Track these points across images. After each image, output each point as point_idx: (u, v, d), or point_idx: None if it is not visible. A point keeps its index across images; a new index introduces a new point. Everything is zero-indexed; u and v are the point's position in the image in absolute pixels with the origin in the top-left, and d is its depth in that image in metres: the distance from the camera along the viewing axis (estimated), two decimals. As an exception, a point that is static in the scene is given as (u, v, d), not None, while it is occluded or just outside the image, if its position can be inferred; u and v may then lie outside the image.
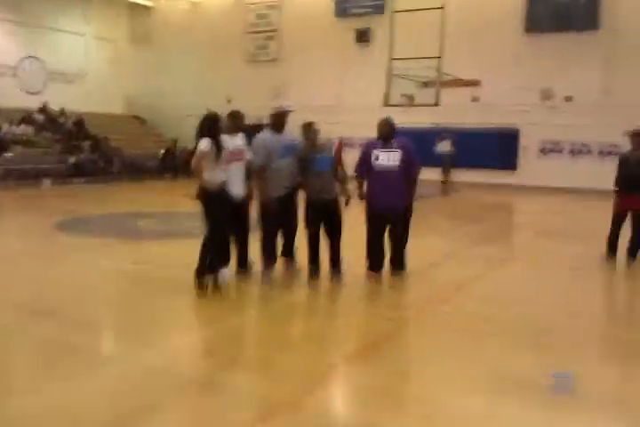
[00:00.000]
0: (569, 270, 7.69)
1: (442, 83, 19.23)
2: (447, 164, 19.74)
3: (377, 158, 6.71)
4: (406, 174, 6.77)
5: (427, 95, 19.39)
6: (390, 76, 19.12)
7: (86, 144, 21.95)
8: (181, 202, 11.11)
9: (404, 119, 21.77)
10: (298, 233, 6.74)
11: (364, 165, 6.80)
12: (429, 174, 21.64)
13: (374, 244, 6.84)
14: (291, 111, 6.72)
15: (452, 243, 9.56)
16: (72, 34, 25.23)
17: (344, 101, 22.91)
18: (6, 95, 22.10)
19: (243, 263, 6.76)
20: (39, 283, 6.54)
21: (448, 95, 20.06)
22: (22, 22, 23.06)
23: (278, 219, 6.56)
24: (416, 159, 6.88)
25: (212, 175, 5.99)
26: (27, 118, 21.43)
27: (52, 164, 19.62)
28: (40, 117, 22.44)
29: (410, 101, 19.47)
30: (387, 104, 19.52)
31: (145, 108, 26.93)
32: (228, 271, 6.46)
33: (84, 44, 25.81)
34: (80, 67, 25.52)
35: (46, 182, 18.18)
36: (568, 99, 20.17)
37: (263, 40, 25.05)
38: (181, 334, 4.98)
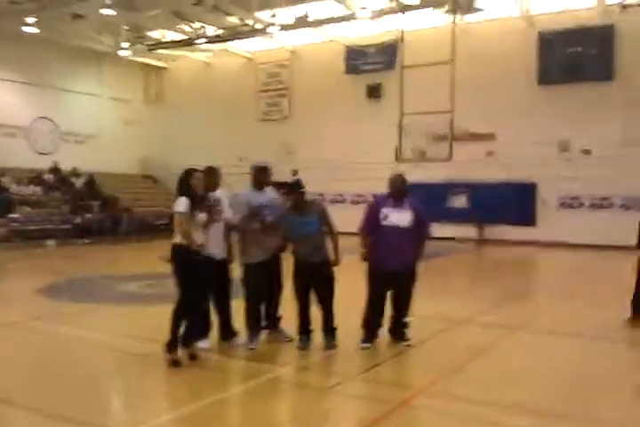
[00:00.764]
0: (589, 340, 6.82)
1: (454, 137, 18.83)
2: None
3: (386, 218, 6.13)
4: (417, 234, 6.23)
5: (439, 150, 18.98)
6: (401, 131, 18.77)
7: (95, 204, 21.69)
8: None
9: (417, 175, 21.49)
10: (284, 301, 6.07)
11: (371, 222, 6.19)
12: (443, 231, 21.19)
13: (374, 308, 6.17)
14: (266, 167, 6.12)
15: (465, 306, 8.76)
16: (86, 95, 25.44)
17: (356, 157, 22.52)
18: (17, 156, 22.14)
19: (225, 333, 6.08)
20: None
21: (461, 149, 19.65)
22: (35, 84, 23.28)
23: (262, 285, 5.91)
24: (428, 220, 6.41)
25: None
26: (36, 178, 21.30)
27: (58, 224, 19.29)
28: (50, 177, 22.33)
29: (422, 156, 19.00)
30: (398, 159, 19.12)
31: (157, 167, 26.84)
32: (208, 343, 5.77)
33: (98, 104, 25.98)
34: (93, 127, 25.61)
35: (51, 243, 17.80)
36: (586, 151, 19.55)
37: (275, 98, 25.05)
38: (154, 416, 4.26)
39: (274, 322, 6.17)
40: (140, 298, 9.03)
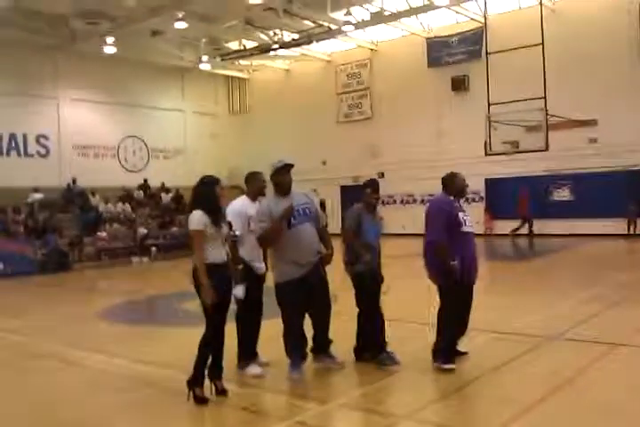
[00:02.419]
0: None
1: (550, 125, 17.21)
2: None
3: (465, 223, 5.32)
4: None
5: (534, 140, 17.38)
6: (489, 122, 17.37)
7: (183, 218, 21.69)
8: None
9: (512, 168, 20.03)
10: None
11: (450, 229, 5.25)
12: (545, 227, 19.53)
13: (458, 324, 5.36)
14: (289, 165, 5.12)
15: (557, 315, 7.47)
16: (170, 111, 25.72)
17: (443, 155, 21.24)
18: (108, 175, 22.60)
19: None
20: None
21: (559, 138, 17.99)
22: (121, 103, 23.72)
23: (300, 304, 5.06)
24: None
25: (212, 254, 4.67)
26: (124, 196, 21.60)
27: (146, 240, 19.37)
28: (139, 194, 22.62)
29: (513, 148, 17.48)
30: (488, 153, 17.72)
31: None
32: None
33: (183, 119, 26.22)
34: (180, 142, 25.86)
35: (135, 260, 17.82)
36: None
37: (356, 99, 24.22)
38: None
39: (321, 346, 5.27)
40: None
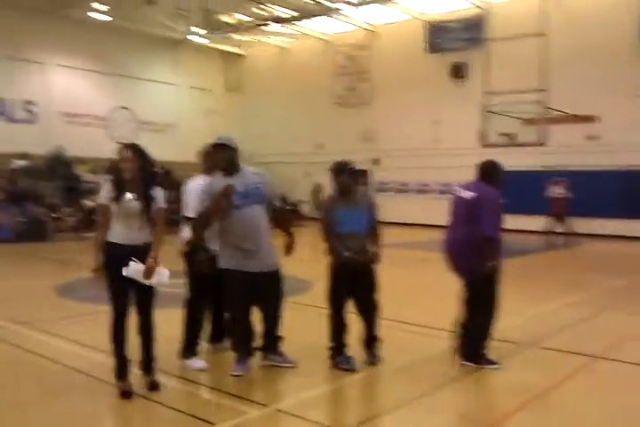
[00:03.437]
0: None
1: (549, 119, 16.78)
2: (561, 211, 16.76)
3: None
4: None
5: (531, 134, 16.96)
6: (486, 112, 16.93)
7: (170, 194, 21.23)
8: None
9: (507, 161, 19.46)
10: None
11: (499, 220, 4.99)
12: (537, 224, 19.13)
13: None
14: (219, 145, 4.70)
15: (543, 319, 7.14)
16: (164, 84, 25.14)
17: (439, 144, 20.81)
18: (96, 145, 22.06)
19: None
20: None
21: (558, 133, 17.62)
22: (112, 73, 23.16)
23: (247, 295, 4.70)
24: None
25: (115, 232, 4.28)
26: (111, 168, 21.11)
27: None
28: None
29: (510, 141, 17.06)
30: (484, 144, 17.29)
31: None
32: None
33: (177, 93, 25.65)
34: (172, 116, 25.30)
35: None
36: None
37: (353, 82, 23.67)
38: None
39: (270, 343, 4.91)
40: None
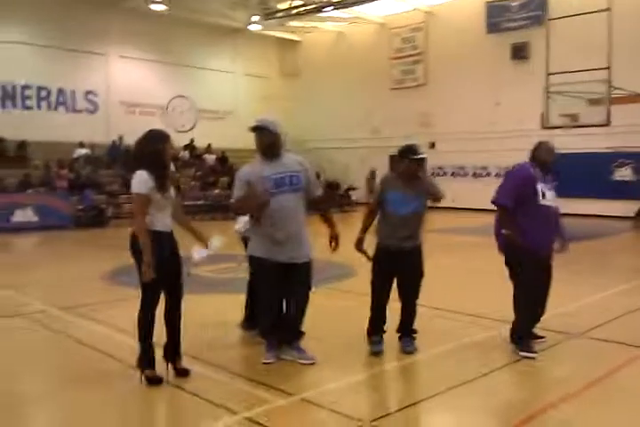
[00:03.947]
0: None
1: (614, 99, 15.97)
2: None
3: (544, 196, 4.87)
4: None
5: (595, 114, 16.17)
6: (547, 93, 16.25)
7: (224, 180, 21.44)
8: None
9: (570, 144, 18.73)
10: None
11: (524, 199, 4.82)
12: (606, 208, 18.33)
13: (538, 299, 5.01)
14: (257, 127, 4.54)
15: (595, 307, 6.78)
16: (221, 72, 25.35)
17: (498, 126, 20.17)
18: (155, 134, 22.51)
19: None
20: None
21: (624, 113, 16.74)
22: (171, 63, 23.51)
23: (276, 285, 4.59)
24: None
25: (156, 222, 4.17)
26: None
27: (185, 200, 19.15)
28: (185, 154, 22.48)
29: (573, 122, 16.33)
30: (545, 126, 16.63)
31: (294, 142, 26.19)
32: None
33: (234, 81, 25.82)
34: (229, 104, 25.49)
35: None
36: None
37: (409, 65, 23.23)
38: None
39: (291, 337, 4.75)
40: (207, 285, 8.01)
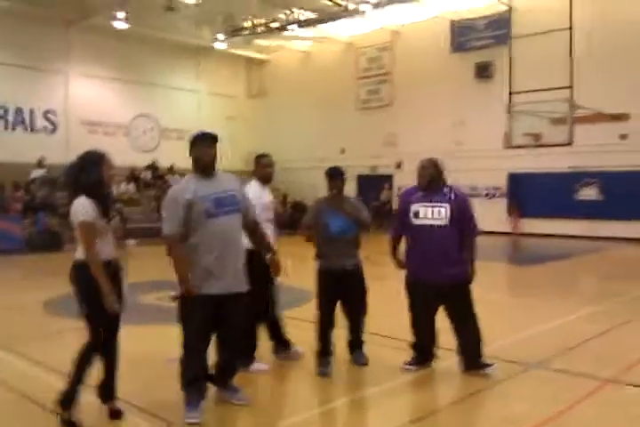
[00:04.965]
0: None
1: (576, 118, 16.03)
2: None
3: (416, 215, 4.84)
4: (459, 235, 4.84)
5: (558, 133, 16.22)
6: (511, 112, 16.25)
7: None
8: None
9: (534, 163, 18.76)
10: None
11: (400, 222, 5.02)
12: (570, 228, 18.27)
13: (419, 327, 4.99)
14: (209, 136, 4.12)
15: (556, 332, 6.50)
16: (185, 91, 25.01)
17: (464, 146, 20.11)
18: (118, 154, 21.72)
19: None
20: None
21: (587, 133, 16.85)
22: (134, 81, 23.07)
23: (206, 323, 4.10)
24: (472, 217, 4.95)
25: (102, 251, 3.86)
26: (130, 176, 20.99)
27: (143, 222, 18.68)
28: (147, 175, 22.01)
29: (535, 141, 16.32)
30: (508, 146, 16.65)
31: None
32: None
33: (197, 100, 25.48)
34: (193, 123, 24.99)
35: (130, 242, 17.11)
36: None
37: (375, 85, 23.17)
38: None
39: (222, 376, 4.28)
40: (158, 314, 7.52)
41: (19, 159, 18.88)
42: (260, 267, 4.58)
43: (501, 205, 19.55)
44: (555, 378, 4.87)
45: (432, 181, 4.85)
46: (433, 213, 4.76)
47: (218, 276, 3.97)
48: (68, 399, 3.78)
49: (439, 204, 4.79)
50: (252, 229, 4.36)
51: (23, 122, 20.62)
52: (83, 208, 3.76)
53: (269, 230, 4.90)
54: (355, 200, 5.23)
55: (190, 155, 4.14)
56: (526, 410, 4.15)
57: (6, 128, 20.19)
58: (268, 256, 4.46)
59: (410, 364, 4.94)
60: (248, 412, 4.16)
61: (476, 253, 4.91)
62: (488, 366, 4.78)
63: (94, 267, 3.72)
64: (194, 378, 4.00)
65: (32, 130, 20.81)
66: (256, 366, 4.96)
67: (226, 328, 4.11)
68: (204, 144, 4.10)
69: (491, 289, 8.62)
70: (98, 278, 3.69)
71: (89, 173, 3.83)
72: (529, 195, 18.80)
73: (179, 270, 3.94)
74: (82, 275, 3.79)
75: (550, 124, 16.29)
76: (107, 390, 3.98)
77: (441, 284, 4.72)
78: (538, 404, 4.26)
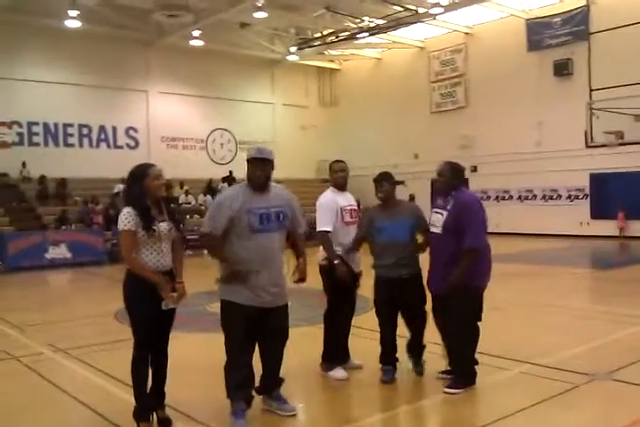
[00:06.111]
0: None
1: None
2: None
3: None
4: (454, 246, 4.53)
5: (643, 131, 15.32)
6: (590, 110, 15.49)
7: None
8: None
9: (614, 163, 17.72)
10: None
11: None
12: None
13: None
14: (261, 159, 4.06)
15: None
16: (259, 103, 25.42)
17: (543, 146, 19.34)
18: (197, 167, 22.70)
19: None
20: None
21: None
22: (210, 96, 23.67)
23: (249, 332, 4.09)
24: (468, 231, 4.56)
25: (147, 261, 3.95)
26: (206, 188, 21.51)
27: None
28: (224, 186, 22.44)
29: (618, 139, 15.47)
30: (589, 145, 15.83)
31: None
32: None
33: (272, 112, 25.85)
34: (268, 134, 25.45)
35: (188, 253, 17.44)
36: None
37: (449, 88, 22.70)
38: None
39: (269, 386, 4.24)
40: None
41: (103, 175, 19.71)
42: (332, 279, 4.84)
43: (584, 207, 18.66)
44: (620, 390, 4.50)
45: (441, 187, 4.72)
46: (431, 220, 4.72)
47: (258, 291, 4.00)
48: (136, 411, 3.90)
49: (441, 210, 4.65)
50: (294, 242, 4.37)
51: (106, 139, 21.57)
52: (125, 218, 3.86)
53: (351, 233, 5.03)
54: (408, 203, 5.10)
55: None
56: (590, 423, 3.84)
57: (91, 145, 21.17)
58: (299, 260, 4.36)
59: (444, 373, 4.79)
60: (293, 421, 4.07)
61: (463, 271, 4.45)
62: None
63: (133, 267, 3.84)
64: (238, 386, 3.98)
65: (115, 146, 21.73)
66: (334, 372, 4.94)
67: (269, 339, 4.13)
68: (254, 166, 4.09)
69: (564, 296, 8.14)
70: (142, 274, 3.80)
71: (132, 186, 3.99)
72: (616, 195, 17.80)
73: (218, 256, 4.08)
74: (125, 281, 3.93)
75: (634, 121, 15.40)
76: (156, 398, 4.01)
77: (434, 293, 4.73)
78: (601, 416, 3.94)
